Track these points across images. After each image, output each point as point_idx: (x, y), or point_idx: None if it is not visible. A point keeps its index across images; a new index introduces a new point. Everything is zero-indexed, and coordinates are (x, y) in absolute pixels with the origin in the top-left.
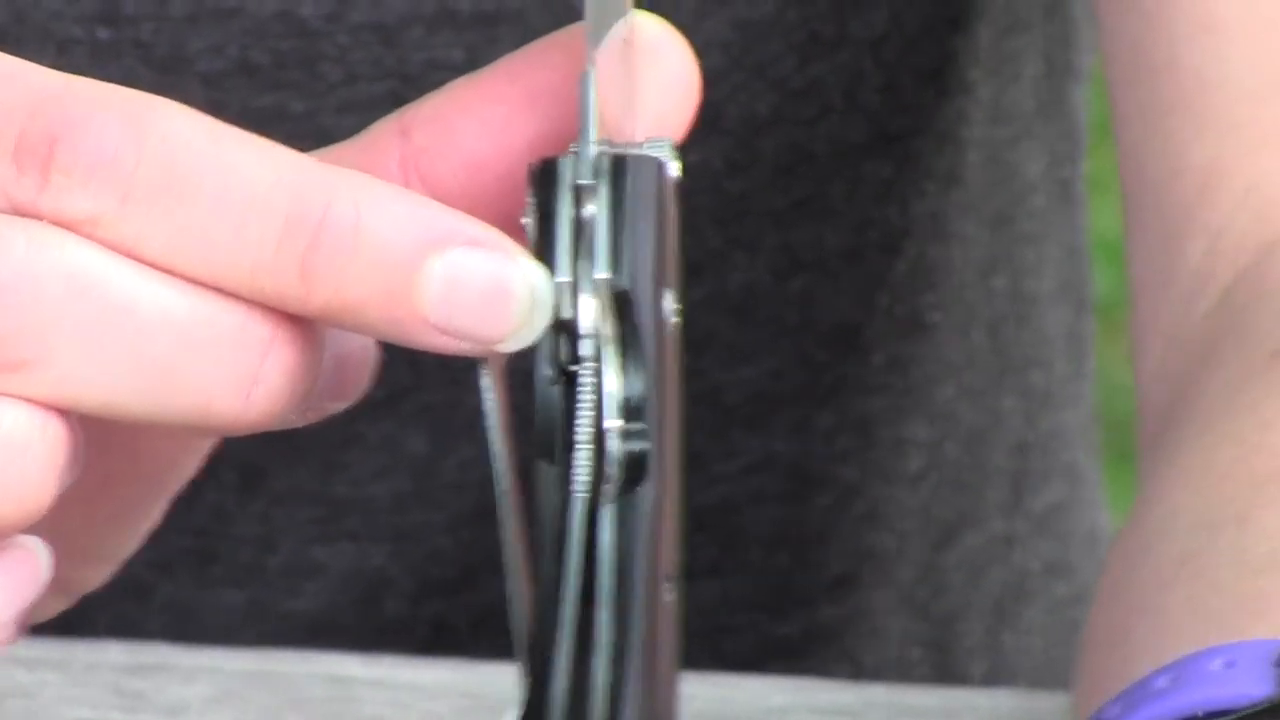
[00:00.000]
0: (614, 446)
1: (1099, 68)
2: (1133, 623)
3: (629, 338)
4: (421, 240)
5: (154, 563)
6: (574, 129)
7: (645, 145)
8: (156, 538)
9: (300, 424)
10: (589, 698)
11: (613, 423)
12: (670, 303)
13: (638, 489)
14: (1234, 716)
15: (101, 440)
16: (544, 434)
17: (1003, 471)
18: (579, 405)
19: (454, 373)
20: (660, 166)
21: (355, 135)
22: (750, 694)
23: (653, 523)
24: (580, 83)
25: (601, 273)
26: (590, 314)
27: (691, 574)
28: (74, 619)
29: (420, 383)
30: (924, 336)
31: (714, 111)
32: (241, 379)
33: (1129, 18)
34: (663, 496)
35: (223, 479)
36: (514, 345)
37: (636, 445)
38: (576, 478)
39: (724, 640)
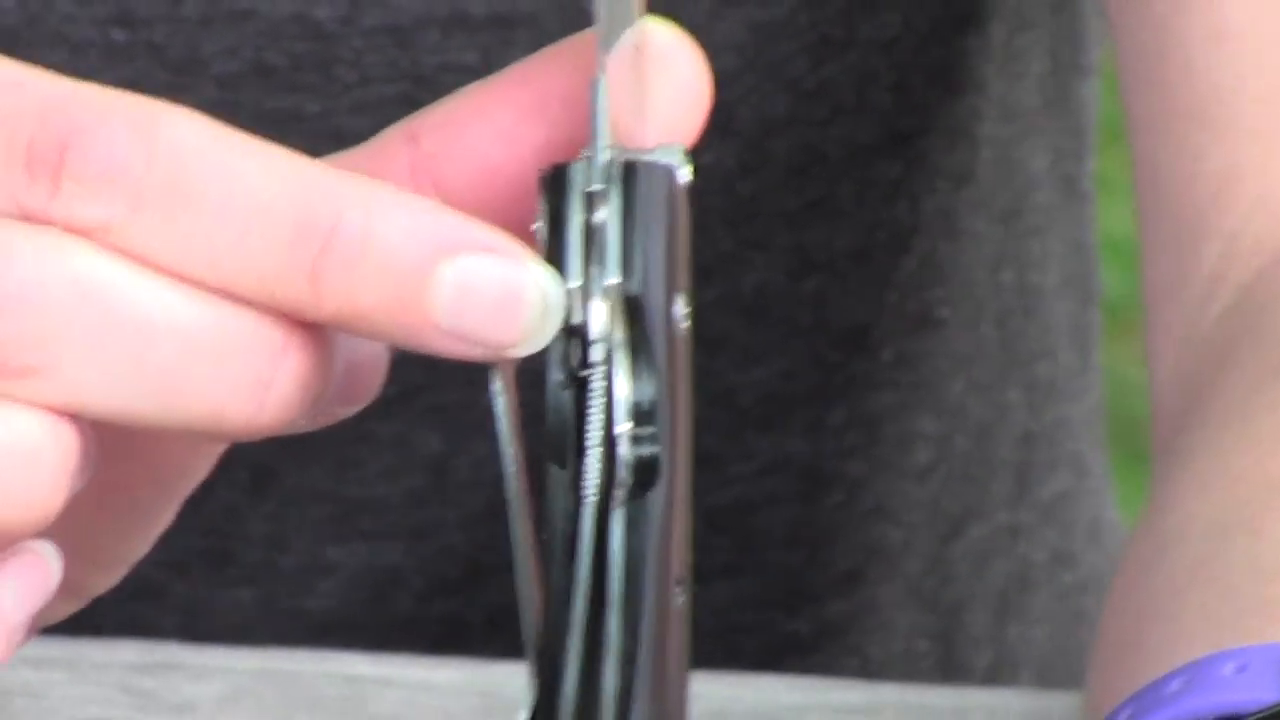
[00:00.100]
0: (624, 451)
1: (1108, 63)
2: (1146, 627)
3: (640, 343)
4: (432, 246)
5: (166, 563)
6: (585, 135)
7: (656, 151)
8: (168, 538)
9: (311, 428)
10: (598, 701)
11: (623, 427)
12: (681, 307)
13: (648, 493)
14: None
15: (112, 445)
16: (555, 438)
17: (1008, 463)
18: (590, 410)
19: (467, 371)
20: (671, 172)
21: (368, 140)
22: (760, 693)
23: (663, 527)
24: (591, 89)
25: (612, 278)
26: (601, 319)
27: (707, 575)
28: (86, 620)
29: (432, 381)
30: (933, 332)
31: (726, 113)
32: (254, 385)
33: (1142, 26)
34: (673, 500)
35: (234, 478)
36: (525, 350)
37: (647, 450)
38: (587, 482)
39: (737, 639)
